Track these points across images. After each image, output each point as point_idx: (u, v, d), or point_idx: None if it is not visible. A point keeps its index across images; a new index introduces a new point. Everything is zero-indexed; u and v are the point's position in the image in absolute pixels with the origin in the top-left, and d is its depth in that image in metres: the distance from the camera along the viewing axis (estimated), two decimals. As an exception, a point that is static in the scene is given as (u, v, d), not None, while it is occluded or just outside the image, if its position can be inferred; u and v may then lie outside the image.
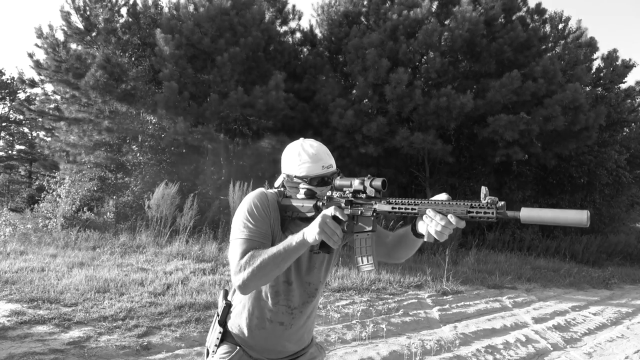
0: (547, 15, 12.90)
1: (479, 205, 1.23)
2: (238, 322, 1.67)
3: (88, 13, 10.93)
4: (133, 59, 11.60)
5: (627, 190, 14.42)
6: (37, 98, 17.06)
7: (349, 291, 5.75)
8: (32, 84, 17.10)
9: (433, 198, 1.34)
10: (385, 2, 11.53)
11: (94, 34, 11.05)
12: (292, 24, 12.55)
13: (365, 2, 11.95)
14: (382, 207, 1.43)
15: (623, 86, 14.13)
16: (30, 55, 10.94)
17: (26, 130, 30.18)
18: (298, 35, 12.74)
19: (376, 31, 10.71)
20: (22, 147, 30.00)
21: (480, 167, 12.87)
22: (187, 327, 4.04)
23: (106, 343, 3.52)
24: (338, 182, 1.52)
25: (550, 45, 13.03)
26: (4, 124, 29.98)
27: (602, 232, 13.34)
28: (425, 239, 1.35)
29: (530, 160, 12.23)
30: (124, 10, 11.44)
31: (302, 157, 1.60)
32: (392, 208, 1.41)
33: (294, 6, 12.47)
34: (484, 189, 1.22)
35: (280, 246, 1.42)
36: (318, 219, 1.37)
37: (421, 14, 10.31)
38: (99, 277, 5.07)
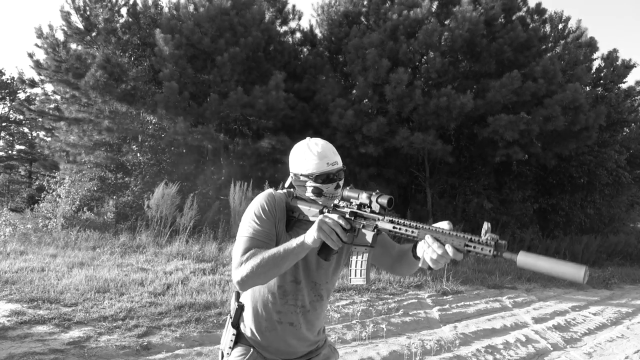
0: (547, 15, 12.89)
1: (478, 240, 1.22)
2: (250, 324, 1.68)
3: (88, 13, 10.91)
4: (133, 59, 11.59)
5: (627, 190, 14.42)
6: (37, 98, 17.05)
7: (349, 291, 5.75)
8: (32, 84, 17.11)
9: (435, 225, 1.34)
10: (385, 2, 11.51)
11: (94, 34, 11.03)
12: (292, 24, 12.55)
13: (365, 2, 11.93)
14: (384, 224, 1.44)
15: (623, 86, 14.14)
16: (30, 55, 10.94)
17: (26, 130, 30.15)
18: (298, 35, 12.73)
19: (376, 31, 10.70)
20: (22, 147, 29.96)
21: (480, 167, 12.87)
22: (187, 327, 4.04)
23: (106, 343, 3.52)
24: (346, 192, 1.54)
25: (550, 45, 13.03)
26: (4, 124, 29.94)
27: (602, 232, 13.36)
28: (420, 264, 1.35)
29: (530, 160, 12.23)
30: (124, 10, 11.45)
31: (307, 155, 1.64)
32: (394, 227, 1.42)
33: (294, 6, 12.47)
34: (486, 225, 1.22)
35: (280, 247, 1.45)
36: (317, 220, 1.40)
37: (421, 14, 10.30)
38: (99, 277, 5.07)
